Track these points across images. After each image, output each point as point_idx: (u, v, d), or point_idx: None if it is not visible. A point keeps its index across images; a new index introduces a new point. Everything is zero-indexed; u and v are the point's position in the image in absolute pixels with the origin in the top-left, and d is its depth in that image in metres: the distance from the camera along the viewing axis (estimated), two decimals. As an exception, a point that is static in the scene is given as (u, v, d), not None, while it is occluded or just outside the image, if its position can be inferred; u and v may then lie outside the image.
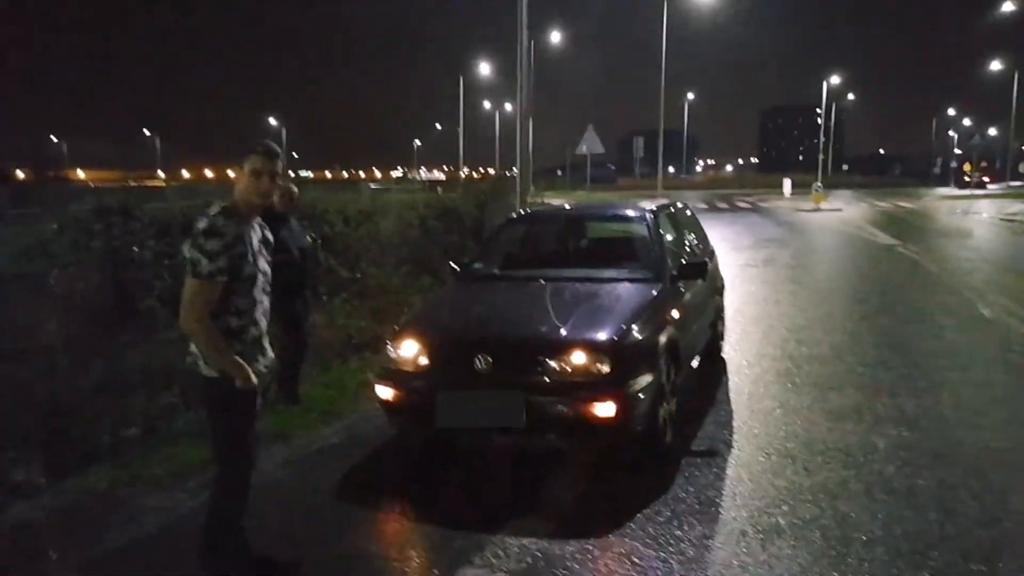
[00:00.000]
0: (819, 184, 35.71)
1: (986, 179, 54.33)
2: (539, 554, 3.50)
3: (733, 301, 9.17)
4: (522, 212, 8.42)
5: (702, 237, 7.33)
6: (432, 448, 4.89)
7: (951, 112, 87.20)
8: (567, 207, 9.48)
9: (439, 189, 27.38)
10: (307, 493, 4.33)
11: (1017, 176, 53.46)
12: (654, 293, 5.04)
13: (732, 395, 5.93)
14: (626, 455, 4.60)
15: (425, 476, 4.57)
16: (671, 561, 3.41)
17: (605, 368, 4.18)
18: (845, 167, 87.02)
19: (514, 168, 12.76)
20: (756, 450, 4.75)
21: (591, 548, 3.56)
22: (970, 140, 54.62)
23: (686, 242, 6.64)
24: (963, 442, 4.86)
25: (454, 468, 4.68)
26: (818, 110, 62.47)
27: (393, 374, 4.55)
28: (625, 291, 5.07)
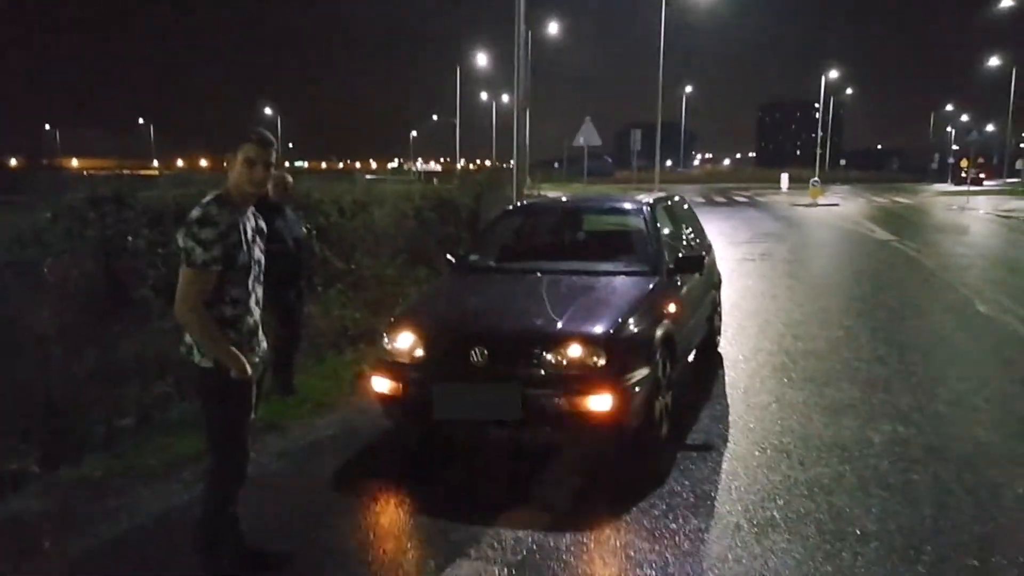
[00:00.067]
0: (816, 179, 35.74)
1: (983, 175, 54.43)
2: (535, 547, 3.50)
3: (730, 295, 9.18)
4: (519, 204, 8.39)
5: (699, 231, 7.32)
6: (428, 441, 4.88)
7: (949, 108, 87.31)
8: (564, 199, 9.46)
9: (435, 180, 27.31)
10: (302, 484, 4.32)
11: (1014, 173, 53.52)
12: (650, 287, 5.03)
13: (728, 389, 5.93)
14: (622, 448, 4.59)
15: (421, 469, 4.56)
16: (666, 554, 3.41)
17: (601, 361, 4.17)
18: (843, 162, 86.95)
19: (511, 160, 12.72)
20: (751, 444, 4.75)
21: (586, 541, 3.56)
22: (968, 136, 54.59)
23: (683, 236, 6.63)
24: (957, 437, 4.87)
25: (450, 461, 4.68)
26: (816, 105, 62.41)
27: (388, 366, 4.54)
28: (621, 284, 5.06)
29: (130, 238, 6.32)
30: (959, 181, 51.17)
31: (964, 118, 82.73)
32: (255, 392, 3.11)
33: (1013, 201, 33.07)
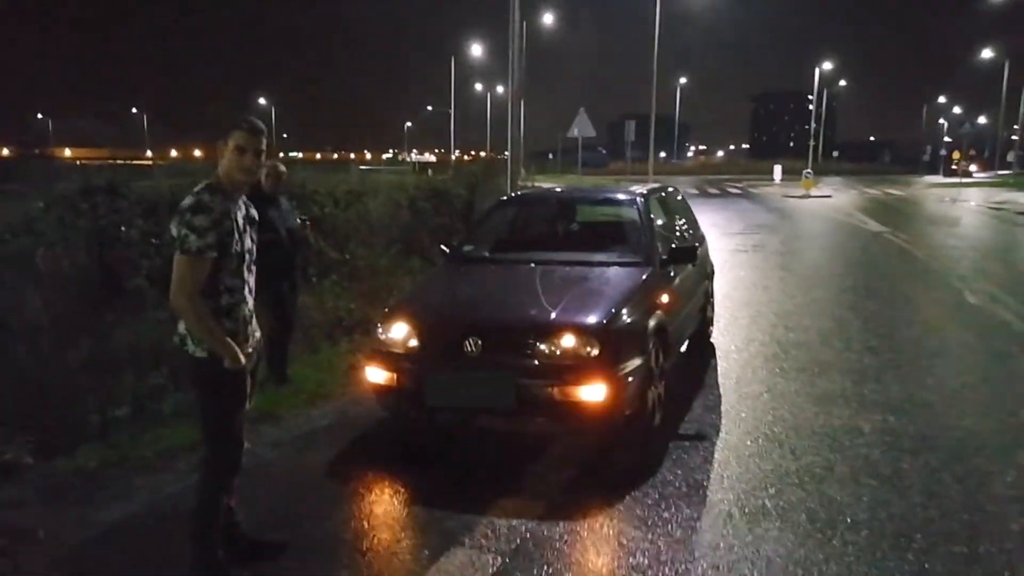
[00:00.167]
0: (809, 171, 35.78)
1: (973, 167, 54.53)
2: (528, 535, 3.52)
3: (722, 286, 9.21)
4: (513, 195, 8.40)
5: (692, 222, 7.34)
6: (422, 430, 4.90)
7: (942, 100, 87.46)
8: (558, 190, 9.46)
9: (429, 171, 27.26)
10: (296, 474, 4.33)
11: (1006, 165, 53.74)
12: (644, 277, 5.05)
13: (720, 379, 5.96)
14: (615, 438, 4.62)
15: (415, 458, 4.58)
16: (659, 543, 3.44)
17: (594, 351, 4.19)
18: (836, 154, 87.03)
19: (505, 151, 12.72)
20: (743, 434, 4.79)
21: (580, 530, 3.59)
22: (960, 128, 54.71)
23: (676, 227, 6.65)
24: (947, 427, 4.91)
25: (444, 450, 4.70)
26: (810, 97, 62.45)
27: (383, 356, 4.55)
28: (615, 275, 5.08)
29: (123, 228, 6.32)
30: (949, 173, 51.31)
31: (957, 110, 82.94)
32: (249, 382, 3.12)
33: (1004, 193, 33.19)
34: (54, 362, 5.00)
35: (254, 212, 3.21)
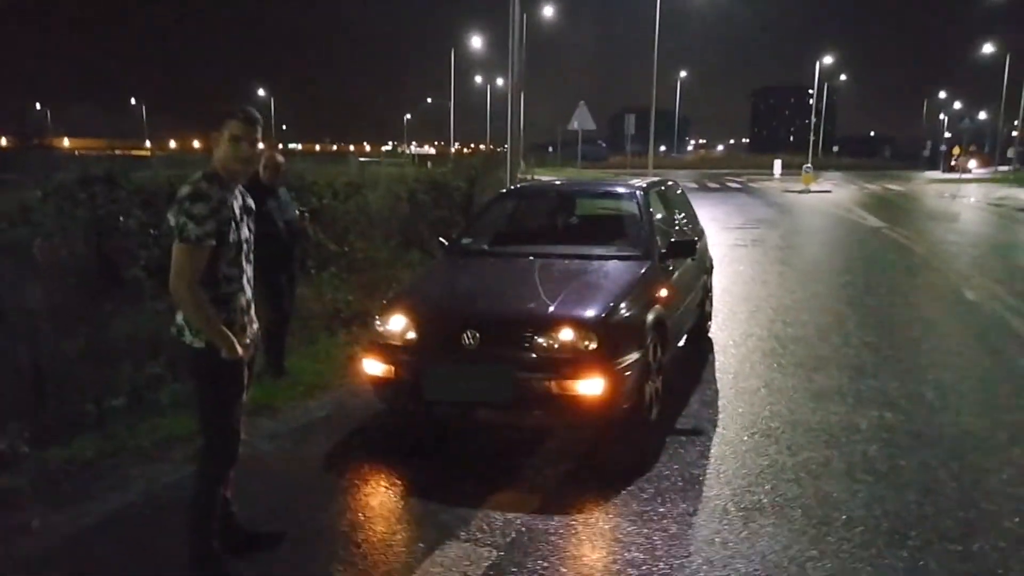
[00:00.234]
0: (809, 165, 35.75)
1: (972, 163, 54.52)
2: (523, 529, 3.53)
3: (721, 280, 9.21)
4: (512, 188, 8.38)
5: (692, 216, 7.33)
6: (419, 423, 4.90)
7: (942, 95, 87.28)
8: (557, 183, 9.45)
9: (429, 163, 27.21)
10: (293, 466, 4.34)
11: (1006, 161, 53.68)
12: (642, 271, 5.05)
13: (718, 374, 5.96)
14: (612, 432, 4.62)
15: (412, 451, 4.58)
16: (654, 537, 3.45)
17: (593, 345, 4.19)
18: (836, 149, 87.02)
19: (505, 144, 12.69)
20: (740, 429, 4.79)
21: (575, 524, 3.59)
22: (960, 124, 54.70)
23: (675, 221, 6.64)
24: (944, 424, 4.92)
25: (441, 443, 4.70)
26: (810, 91, 62.35)
27: (381, 348, 4.55)
28: (614, 268, 5.08)
29: (121, 218, 6.30)
30: (947, 169, 51.33)
31: (957, 105, 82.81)
32: (247, 373, 3.12)
33: (1003, 189, 33.19)
34: (51, 352, 4.99)
35: (251, 202, 3.21)
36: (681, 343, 6.06)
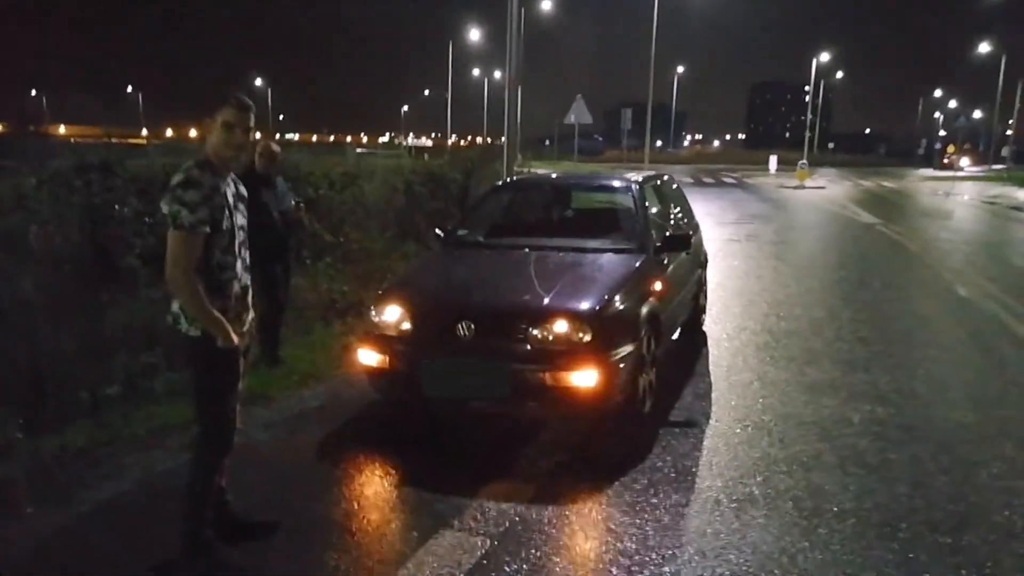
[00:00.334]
0: (804, 161, 35.82)
1: (964, 161, 54.61)
2: (517, 518, 3.55)
3: (715, 275, 9.24)
4: (508, 180, 8.38)
5: (687, 210, 7.35)
6: (413, 413, 4.91)
7: (938, 93, 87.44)
8: (553, 176, 9.45)
9: (425, 156, 27.19)
10: (287, 455, 4.34)
11: (1000, 159, 53.76)
12: (637, 264, 5.06)
13: (711, 367, 5.99)
14: (605, 423, 4.64)
15: (406, 440, 4.60)
16: (646, 528, 3.47)
17: (587, 337, 4.20)
18: (831, 145, 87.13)
19: (502, 137, 12.67)
20: (733, 421, 4.82)
21: (568, 514, 3.61)
22: (955, 122, 54.84)
23: (671, 215, 6.66)
24: (934, 418, 4.95)
25: (435, 433, 4.71)
26: (806, 88, 62.37)
27: (375, 338, 4.56)
28: (608, 261, 5.09)
29: (117, 207, 6.28)
30: (941, 166, 51.45)
31: (953, 104, 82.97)
32: (244, 362, 3.13)
33: (997, 187, 33.29)
34: (46, 340, 4.98)
35: (243, 190, 3.21)
36: (675, 336, 6.08)
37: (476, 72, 68.04)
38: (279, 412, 4.96)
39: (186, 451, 3.57)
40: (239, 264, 3.07)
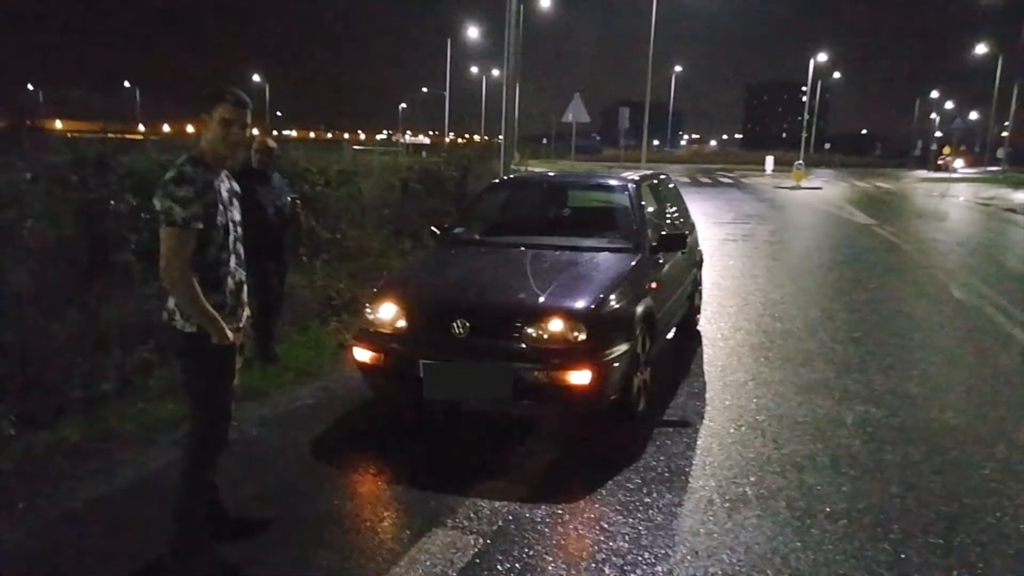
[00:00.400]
0: (800, 162, 35.88)
1: (958, 163, 54.69)
2: (510, 517, 3.55)
3: (711, 274, 9.25)
4: (504, 178, 8.37)
5: (683, 210, 7.35)
6: (407, 410, 4.91)
7: (935, 95, 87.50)
8: (550, 175, 9.45)
9: (423, 153, 27.13)
10: (282, 452, 4.34)
11: (996, 161, 53.87)
12: (633, 263, 5.07)
13: (706, 367, 6.00)
14: (599, 422, 4.65)
15: (400, 438, 4.60)
16: (639, 527, 3.47)
17: (582, 336, 4.20)
18: (827, 146, 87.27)
19: (500, 136, 12.65)
20: (727, 421, 4.83)
21: (561, 513, 3.62)
22: (951, 123, 54.82)
23: (667, 214, 6.66)
24: (928, 419, 4.97)
25: (428, 431, 4.71)
26: (803, 88, 62.42)
27: (371, 336, 4.55)
28: (604, 260, 5.09)
29: (112, 203, 6.25)
30: (935, 168, 51.58)
31: (949, 105, 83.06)
32: (240, 360, 3.12)
33: (992, 189, 33.36)
34: (39, 335, 4.97)
35: (236, 186, 3.20)
36: (670, 335, 6.09)
37: (475, 70, 67.94)
38: (274, 408, 4.95)
39: (179, 447, 3.57)
40: (233, 260, 3.07)
